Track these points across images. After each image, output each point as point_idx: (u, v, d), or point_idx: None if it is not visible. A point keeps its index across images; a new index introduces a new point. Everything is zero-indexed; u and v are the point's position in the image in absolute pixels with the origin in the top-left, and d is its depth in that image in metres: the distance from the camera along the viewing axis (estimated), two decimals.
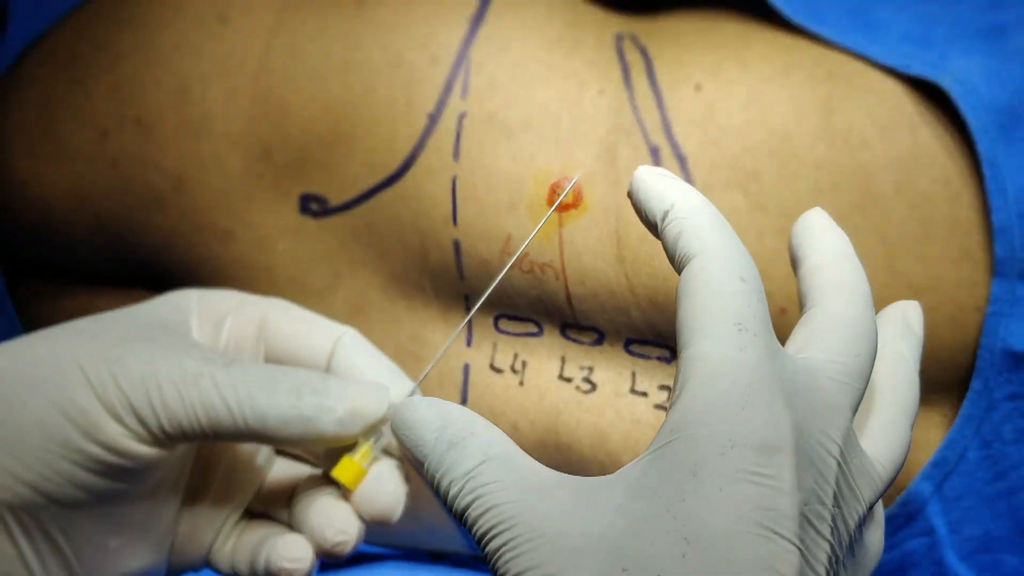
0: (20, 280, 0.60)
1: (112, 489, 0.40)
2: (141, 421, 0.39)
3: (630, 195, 0.39)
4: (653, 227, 0.38)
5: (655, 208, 0.38)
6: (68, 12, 0.57)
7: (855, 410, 0.37)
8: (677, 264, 0.37)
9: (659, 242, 0.49)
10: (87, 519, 0.40)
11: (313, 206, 0.54)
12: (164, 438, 0.40)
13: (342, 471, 0.42)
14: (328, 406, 0.41)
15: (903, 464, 0.39)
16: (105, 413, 0.39)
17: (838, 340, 0.37)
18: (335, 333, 0.45)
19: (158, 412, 0.39)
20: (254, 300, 0.45)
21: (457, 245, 0.52)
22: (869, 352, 0.37)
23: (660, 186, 0.38)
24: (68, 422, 0.38)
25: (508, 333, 0.53)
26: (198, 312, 0.44)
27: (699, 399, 0.34)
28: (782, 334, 0.48)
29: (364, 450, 0.42)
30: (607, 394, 0.52)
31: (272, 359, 0.45)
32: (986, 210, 0.46)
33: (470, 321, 0.54)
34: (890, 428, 0.39)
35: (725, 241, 0.36)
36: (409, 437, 0.37)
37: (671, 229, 0.37)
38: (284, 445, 0.44)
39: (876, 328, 0.38)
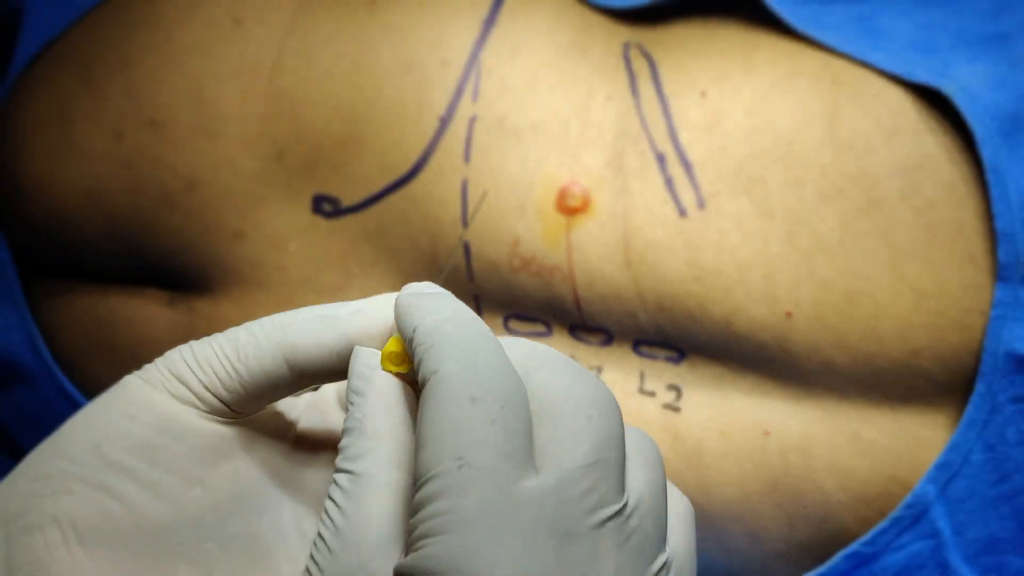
0: (33, 278, 0.61)
1: None
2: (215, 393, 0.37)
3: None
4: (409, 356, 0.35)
5: (405, 336, 0.35)
6: (81, 15, 0.58)
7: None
8: (421, 388, 0.34)
9: (666, 247, 0.50)
10: None
11: (325, 207, 0.55)
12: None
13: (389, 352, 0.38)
14: (345, 308, 0.38)
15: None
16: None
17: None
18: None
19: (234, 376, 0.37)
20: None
21: (467, 247, 0.52)
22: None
23: (409, 311, 0.35)
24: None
25: (518, 333, 0.54)
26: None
27: (431, 554, 0.31)
28: (787, 338, 0.49)
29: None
30: (616, 394, 0.52)
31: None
32: (990, 215, 0.47)
33: None
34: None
35: (461, 357, 0.32)
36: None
37: (416, 355, 0.34)
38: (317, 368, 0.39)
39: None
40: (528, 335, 0.54)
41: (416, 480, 0.32)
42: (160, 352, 0.40)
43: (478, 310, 0.54)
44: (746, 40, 0.52)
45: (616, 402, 0.34)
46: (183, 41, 0.55)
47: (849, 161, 0.48)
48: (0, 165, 0.58)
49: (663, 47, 0.53)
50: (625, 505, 0.33)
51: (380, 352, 0.36)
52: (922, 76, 0.48)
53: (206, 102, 0.55)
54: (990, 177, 0.46)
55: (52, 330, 0.59)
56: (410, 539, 0.32)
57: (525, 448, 0.32)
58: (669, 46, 0.53)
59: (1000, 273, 0.46)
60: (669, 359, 0.52)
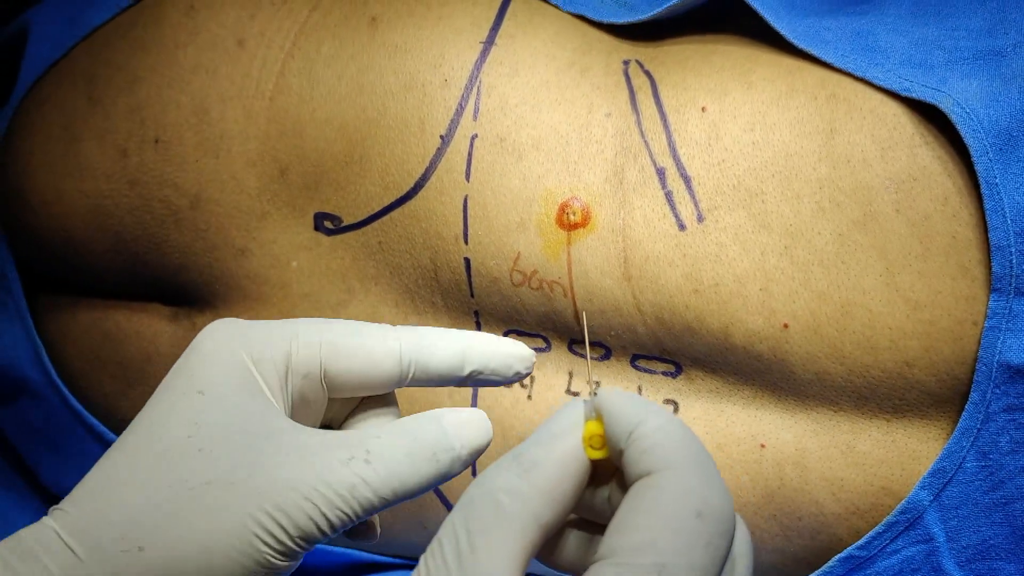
0: (38, 293, 0.61)
1: None
2: (311, 540, 0.39)
3: (599, 412, 0.37)
4: (618, 449, 0.36)
5: (621, 428, 0.35)
6: (87, 34, 0.58)
7: None
8: (633, 477, 0.34)
9: (666, 261, 0.51)
10: None
11: (327, 224, 0.55)
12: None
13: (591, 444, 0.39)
14: (456, 456, 0.41)
15: None
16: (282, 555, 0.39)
17: None
18: (392, 349, 0.43)
19: (323, 528, 0.39)
20: (296, 332, 0.43)
21: (468, 263, 0.53)
22: None
23: (627, 405, 0.36)
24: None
25: None
26: (260, 374, 0.42)
27: None
28: (783, 350, 0.50)
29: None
30: None
31: (335, 386, 0.43)
32: (984, 228, 0.47)
33: None
34: None
35: (695, 466, 0.33)
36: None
37: (637, 446, 0.34)
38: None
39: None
40: None
41: (602, 556, 0.33)
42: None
43: (478, 325, 0.54)
44: (745, 56, 0.53)
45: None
46: (187, 61, 0.55)
47: (846, 175, 0.49)
48: (6, 182, 0.59)
49: (663, 64, 0.53)
50: None
51: (583, 420, 0.37)
52: (918, 92, 0.48)
53: (210, 121, 0.55)
54: (985, 191, 0.47)
55: (56, 344, 0.60)
56: None
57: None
58: (668, 63, 0.53)
59: (994, 285, 0.47)
60: (666, 373, 0.52)
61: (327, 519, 0.39)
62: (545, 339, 0.54)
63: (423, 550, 0.59)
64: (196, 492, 0.39)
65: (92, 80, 0.57)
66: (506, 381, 0.44)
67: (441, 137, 0.53)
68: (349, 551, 0.59)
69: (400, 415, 0.45)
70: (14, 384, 0.61)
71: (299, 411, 0.43)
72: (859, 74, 0.50)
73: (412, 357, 0.43)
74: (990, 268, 0.47)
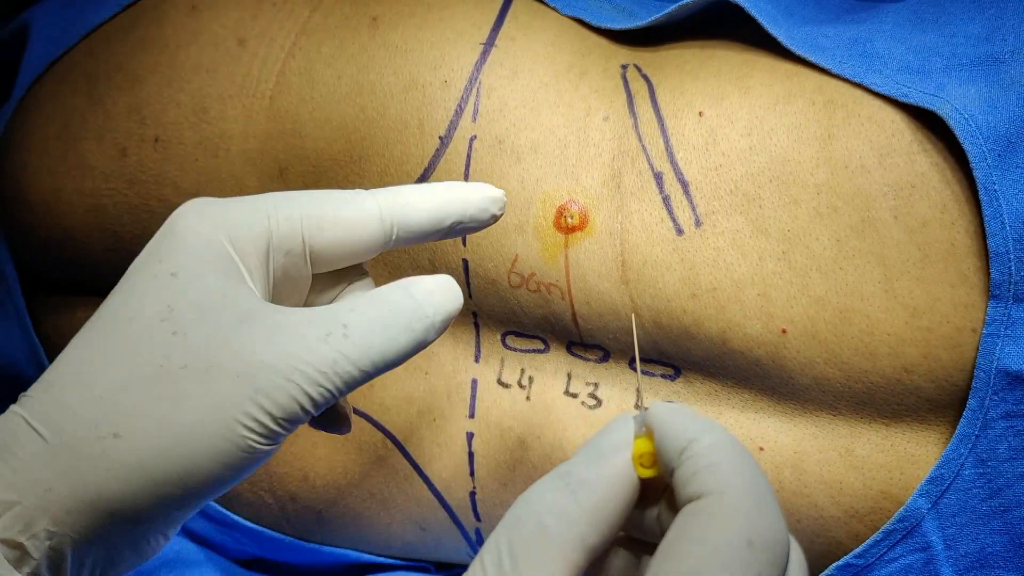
0: (36, 292, 0.61)
1: None
2: (294, 421, 0.39)
3: (650, 428, 0.36)
4: (669, 468, 0.35)
5: (674, 444, 0.35)
6: (87, 33, 0.58)
7: None
8: (683, 499, 0.34)
9: (663, 265, 0.51)
10: None
11: None
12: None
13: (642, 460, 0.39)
14: (431, 323, 0.41)
15: None
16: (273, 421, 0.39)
17: None
18: (372, 212, 0.43)
19: (307, 408, 0.39)
20: (274, 207, 0.42)
21: (466, 264, 0.53)
22: None
23: (681, 421, 0.35)
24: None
25: (515, 349, 0.54)
26: (238, 255, 0.41)
27: None
28: (781, 355, 0.50)
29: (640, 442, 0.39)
30: (612, 410, 0.53)
31: (320, 259, 0.43)
32: (982, 235, 0.47)
33: (478, 337, 0.55)
34: None
35: (748, 491, 0.33)
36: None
37: (688, 467, 0.34)
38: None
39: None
40: (525, 351, 0.54)
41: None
42: None
43: (476, 326, 0.55)
44: (743, 62, 0.53)
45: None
46: (187, 60, 0.56)
47: (843, 181, 0.49)
48: (5, 180, 0.59)
49: (661, 68, 0.53)
50: None
51: (632, 437, 0.36)
52: (916, 98, 0.49)
53: (210, 120, 0.55)
54: (983, 197, 0.47)
55: (55, 344, 0.60)
56: None
57: None
58: (666, 67, 0.53)
59: (992, 291, 0.47)
60: (665, 376, 0.52)
61: (310, 397, 0.38)
62: (544, 341, 0.54)
63: (421, 551, 0.59)
64: (173, 377, 0.37)
65: (92, 79, 0.57)
66: (483, 226, 0.44)
67: (440, 138, 0.53)
68: (348, 552, 0.59)
69: (369, 277, 0.45)
70: (11, 383, 0.61)
71: (283, 290, 0.42)
72: (857, 80, 0.50)
73: (393, 218, 0.42)
74: (988, 275, 0.47)
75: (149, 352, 0.38)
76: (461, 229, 0.43)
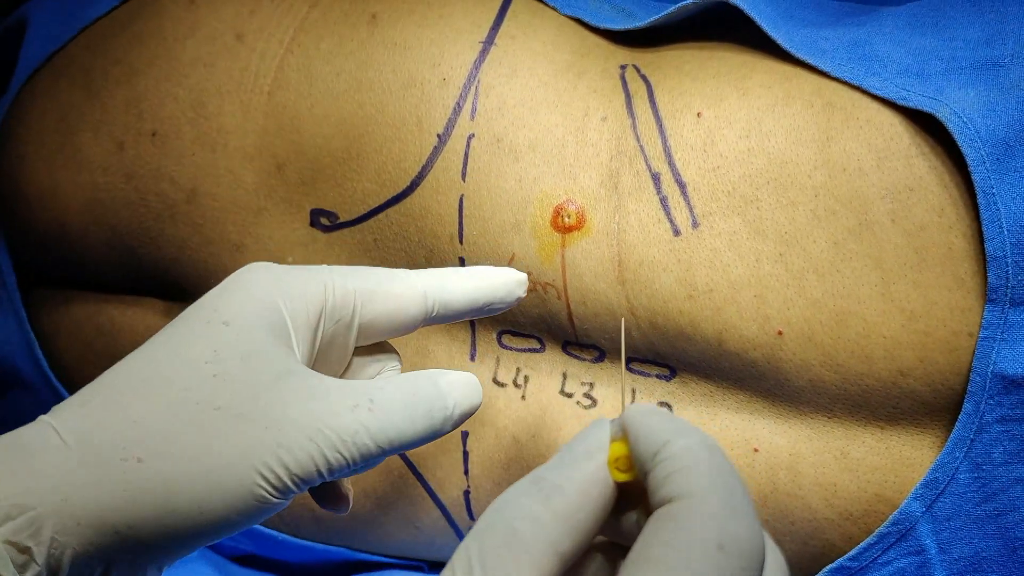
0: (32, 287, 0.61)
1: None
2: (307, 481, 0.40)
3: (627, 431, 0.36)
4: (644, 471, 0.35)
5: (647, 448, 0.34)
6: (84, 27, 0.58)
7: None
8: (656, 503, 0.33)
9: (660, 266, 0.51)
10: None
11: (323, 220, 0.55)
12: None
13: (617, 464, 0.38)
14: (449, 415, 0.42)
15: None
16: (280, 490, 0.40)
17: None
18: (418, 292, 0.45)
19: (322, 470, 0.40)
20: (331, 279, 0.44)
21: (463, 263, 0.53)
22: None
23: (654, 424, 0.35)
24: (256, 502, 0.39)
25: (511, 348, 0.54)
26: (290, 317, 0.42)
27: None
28: (777, 357, 0.50)
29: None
30: (607, 410, 0.52)
31: (366, 331, 0.45)
32: (980, 239, 0.47)
33: (474, 336, 0.55)
34: None
35: (720, 493, 0.32)
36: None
37: (660, 470, 0.33)
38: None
39: None
40: (521, 350, 0.54)
41: None
42: None
43: (472, 324, 0.54)
44: (742, 63, 0.53)
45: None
46: (185, 55, 0.56)
47: (841, 183, 0.49)
48: (2, 174, 0.59)
49: (659, 69, 0.53)
50: None
51: (608, 441, 0.36)
52: (915, 101, 0.48)
53: (207, 115, 0.55)
54: (981, 201, 0.47)
55: (50, 338, 0.60)
56: None
57: None
58: (665, 68, 0.53)
59: (989, 295, 0.47)
60: (660, 376, 0.52)
61: (327, 461, 0.39)
62: (539, 340, 0.54)
63: (414, 549, 0.59)
64: (207, 416, 0.39)
65: (90, 73, 0.57)
66: (508, 306, 0.47)
67: (438, 136, 0.53)
68: (342, 549, 0.59)
69: (400, 360, 0.48)
70: (6, 377, 0.61)
71: (324, 359, 0.44)
72: (856, 83, 0.50)
73: (436, 297, 0.45)
74: (985, 279, 0.47)
75: (188, 388, 0.39)
76: (490, 309, 0.47)
